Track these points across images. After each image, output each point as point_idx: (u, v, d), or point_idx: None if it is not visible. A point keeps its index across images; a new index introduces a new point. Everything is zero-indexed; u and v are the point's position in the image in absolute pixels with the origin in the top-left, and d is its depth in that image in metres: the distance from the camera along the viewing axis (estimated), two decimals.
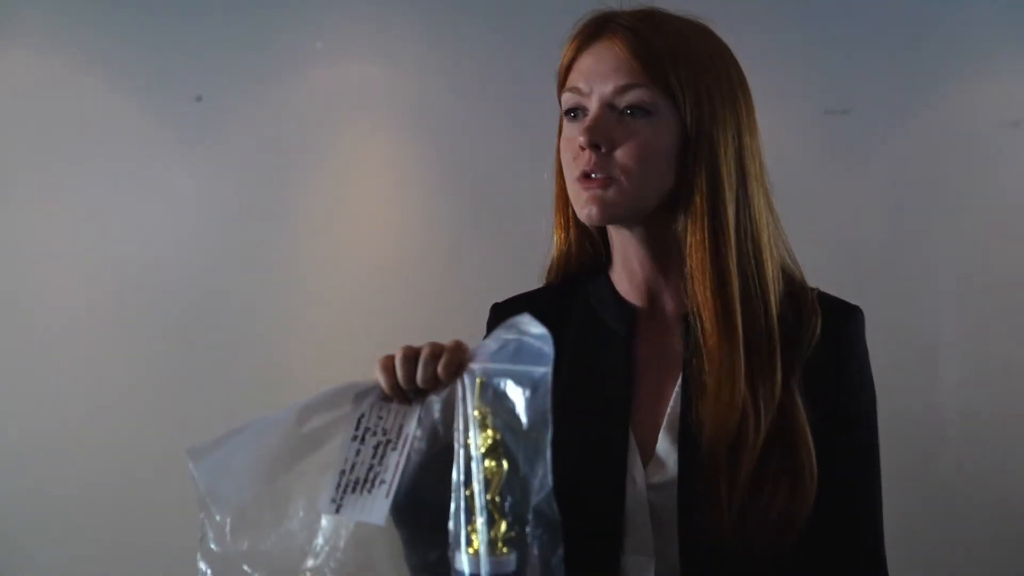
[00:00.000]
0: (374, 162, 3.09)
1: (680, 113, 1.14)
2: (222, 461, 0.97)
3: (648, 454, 1.16)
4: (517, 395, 0.91)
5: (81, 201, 2.98)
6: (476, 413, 0.93)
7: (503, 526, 0.91)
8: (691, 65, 1.14)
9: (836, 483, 1.13)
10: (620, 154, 1.13)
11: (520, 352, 0.92)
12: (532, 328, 0.91)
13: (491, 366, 0.94)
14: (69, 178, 2.98)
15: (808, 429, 1.12)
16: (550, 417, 0.89)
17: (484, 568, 0.90)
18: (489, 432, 0.92)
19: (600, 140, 1.13)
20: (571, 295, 1.27)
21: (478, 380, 0.94)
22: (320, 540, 0.98)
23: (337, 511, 0.96)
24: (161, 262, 2.98)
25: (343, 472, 0.97)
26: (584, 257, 1.27)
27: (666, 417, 1.17)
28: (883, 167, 3.11)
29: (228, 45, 3.01)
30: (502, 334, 0.94)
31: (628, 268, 1.23)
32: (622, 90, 1.13)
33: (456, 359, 0.97)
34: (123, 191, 2.99)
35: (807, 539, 1.11)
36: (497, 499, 0.91)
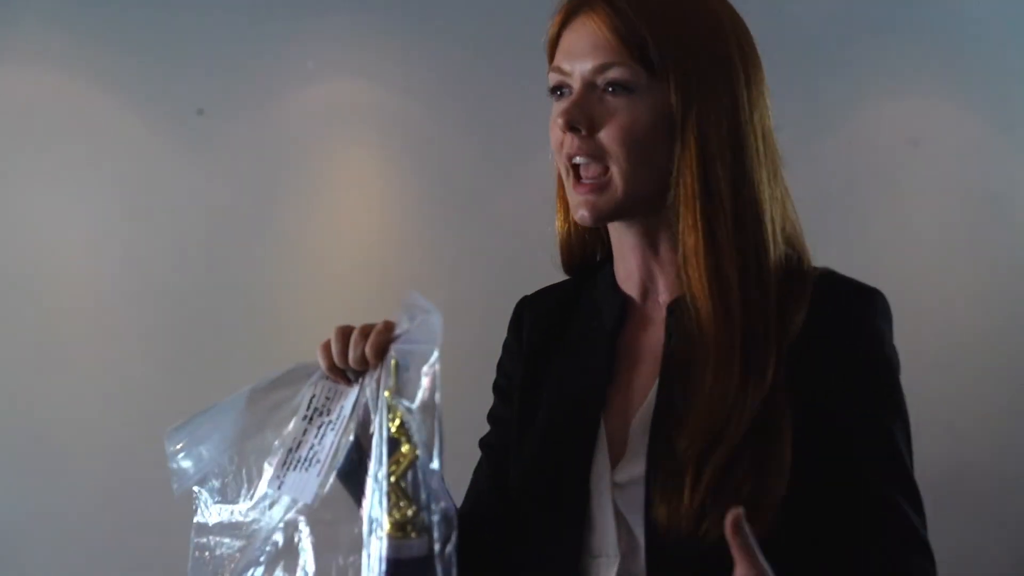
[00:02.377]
0: (362, 171, 3.15)
1: (665, 90, 1.01)
2: (190, 440, 0.98)
3: (619, 452, 1.03)
4: (418, 375, 0.88)
5: (88, 206, 2.99)
6: (387, 394, 0.89)
7: (412, 510, 0.87)
8: (677, 39, 1.02)
9: (846, 468, 0.98)
10: (604, 136, 1.01)
11: (425, 329, 0.89)
12: (427, 305, 0.88)
13: (404, 347, 0.90)
14: (75, 185, 2.99)
15: (789, 422, 0.97)
16: (439, 398, 0.87)
17: (389, 552, 0.86)
18: (398, 414, 0.89)
19: (578, 121, 1.01)
20: (582, 288, 1.15)
21: (393, 361, 0.90)
22: (280, 513, 0.96)
23: (279, 488, 0.95)
24: (164, 266, 3.00)
25: (290, 450, 0.96)
26: (588, 244, 1.14)
27: (638, 413, 1.04)
28: (805, 177, 3.28)
29: (228, 63, 3.07)
30: (414, 312, 0.90)
31: (623, 258, 1.10)
32: (601, 69, 1.01)
33: (383, 339, 0.92)
34: (128, 196, 3.01)
35: (801, 531, 0.97)
36: (403, 484, 0.87)
